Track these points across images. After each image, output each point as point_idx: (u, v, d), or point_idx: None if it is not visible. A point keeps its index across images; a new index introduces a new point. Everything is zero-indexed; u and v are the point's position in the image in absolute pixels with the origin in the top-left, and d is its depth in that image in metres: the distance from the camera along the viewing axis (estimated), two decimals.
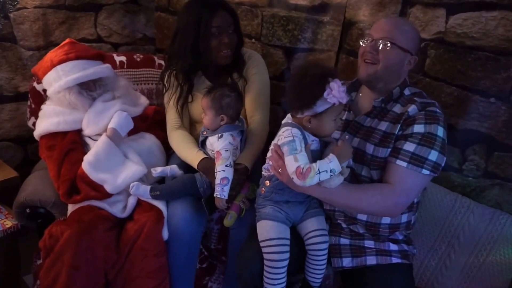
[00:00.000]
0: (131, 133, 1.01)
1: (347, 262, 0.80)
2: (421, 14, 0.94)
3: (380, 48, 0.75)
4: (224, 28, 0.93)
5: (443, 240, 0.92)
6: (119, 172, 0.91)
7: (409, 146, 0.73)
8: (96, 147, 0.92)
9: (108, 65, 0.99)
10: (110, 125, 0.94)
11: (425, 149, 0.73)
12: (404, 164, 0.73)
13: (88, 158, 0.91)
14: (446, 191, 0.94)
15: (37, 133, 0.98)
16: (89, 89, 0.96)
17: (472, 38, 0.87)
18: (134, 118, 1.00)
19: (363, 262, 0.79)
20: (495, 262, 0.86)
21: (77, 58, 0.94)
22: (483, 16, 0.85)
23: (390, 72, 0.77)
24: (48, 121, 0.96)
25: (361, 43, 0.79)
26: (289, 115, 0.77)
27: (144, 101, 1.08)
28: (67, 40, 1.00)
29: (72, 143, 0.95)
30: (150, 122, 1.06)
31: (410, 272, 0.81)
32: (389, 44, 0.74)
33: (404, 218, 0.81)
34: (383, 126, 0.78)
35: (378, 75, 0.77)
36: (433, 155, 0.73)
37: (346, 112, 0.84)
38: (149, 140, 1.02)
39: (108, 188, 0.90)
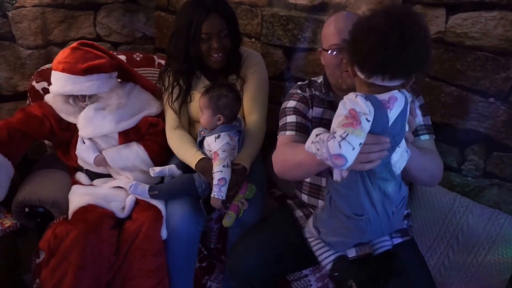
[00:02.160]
0: (121, 141, 1.00)
1: (351, 252, 0.78)
2: (421, 13, 0.94)
3: None
4: (214, 33, 0.91)
5: (442, 240, 0.92)
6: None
7: (419, 120, 0.76)
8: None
9: (97, 82, 0.92)
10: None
11: (427, 118, 0.78)
12: (427, 136, 0.77)
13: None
14: (445, 191, 0.95)
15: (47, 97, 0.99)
16: (77, 98, 0.96)
17: (471, 38, 0.87)
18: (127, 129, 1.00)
19: (366, 250, 0.77)
20: (493, 261, 0.86)
21: (62, 71, 0.93)
22: (483, 16, 0.85)
23: None
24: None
25: (332, 57, 0.73)
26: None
27: (149, 111, 1.04)
28: (75, 43, 0.97)
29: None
30: (142, 134, 1.04)
31: (413, 245, 0.81)
32: None
33: (406, 191, 0.73)
34: None
35: None
36: (429, 119, 0.79)
37: (331, 112, 0.81)
38: (133, 152, 0.99)
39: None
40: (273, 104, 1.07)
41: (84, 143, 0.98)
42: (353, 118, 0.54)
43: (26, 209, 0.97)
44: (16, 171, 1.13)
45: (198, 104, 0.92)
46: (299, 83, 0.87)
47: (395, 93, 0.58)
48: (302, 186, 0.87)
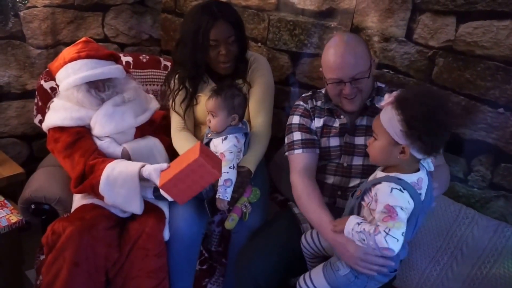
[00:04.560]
0: (136, 136, 1.01)
1: None
2: (430, 21, 0.92)
3: (358, 84, 0.78)
4: (222, 40, 0.91)
5: (446, 251, 0.90)
6: (121, 201, 0.88)
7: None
8: (126, 174, 0.86)
9: (119, 66, 0.99)
10: (156, 182, 0.84)
11: None
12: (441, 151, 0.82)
13: (110, 170, 0.87)
14: (450, 201, 0.93)
15: (44, 125, 0.99)
16: (97, 89, 0.96)
17: (482, 47, 0.86)
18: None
19: None
20: (498, 275, 0.85)
21: (87, 57, 0.94)
22: (494, 25, 0.83)
23: (370, 89, 0.83)
24: (55, 115, 0.96)
25: (332, 86, 0.80)
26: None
27: (154, 105, 1.07)
28: (82, 39, 1.00)
29: (77, 133, 0.94)
30: (156, 127, 1.06)
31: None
32: (367, 77, 0.78)
33: None
34: None
35: (363, 100, 0.81)
36: None
37: (337, 119, 0.86)
38: (151, 142, 1.02)
39: (106, 200, 0.89)
40: (278, 109, 1.07)
41: (101, 141, 0.96)
42: (390, 212, 0.63)
43: (32, 206, 0.98)
44: (23, 168, 1.16)
45: (206, 106, 0.92)
46: (303, 95, 0.91)
47: (421, 174, 0.67)
48: None
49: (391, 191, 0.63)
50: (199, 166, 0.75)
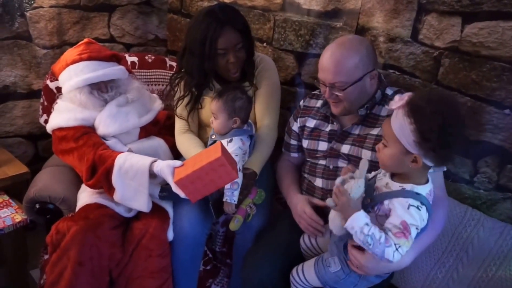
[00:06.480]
0: (141, 136, 1.02)
1: None
2: (436, 22, 0.92)
3: (337, 92, 0.77)
4: (230, 47, 0.90)
5: (451, 253, 0.90)
6: (131, 194, 0.88)
7: None
8: (137, 168, 0.86)
9: (121, 67, 0.99)
10: (169, 180, 0.82)
11: None
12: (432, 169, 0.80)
13: (122, 161, 0.86)
14: (456, 203, 0.93)
15: (48, 127, 1.00)
16: (100, 90, 0.96)
17: (488, 47, 0.85)
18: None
19: None
20: (504, 277, 0.84)
21: (89, 58, 0.94)
22: (500, 26, 0.83)
23: (358, 100, 0.80)
24: (59, 116, 0.97)
25: (321, 85, 0.80)
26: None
27: (158, 105, 1.08)
28: (84, 40, 1.00)
29: (83, 129, 0.94)
30: (160, 127, 1.07)
31: None
32: (342, 90, 0.76)
33: None
34: (375, 131, 0.80)
35: (348, 109, 0.80)
36: None
37: (329, 125, 0.87)
38: (156, 143, 1.02)
39: (115, 195, 0.88)
40: (283, 110, 1.07)
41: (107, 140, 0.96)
42: (405, 229, 0.63)
43: (37, 205, 0.98)
44: (28, 167, 1.16)
45: (210, 108, 0.92)
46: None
47: (431, 184, 0.66)
48: (302, 184, 0.93)
49: (408, 208, 0.61)
50: (220, 165, 0.74)
